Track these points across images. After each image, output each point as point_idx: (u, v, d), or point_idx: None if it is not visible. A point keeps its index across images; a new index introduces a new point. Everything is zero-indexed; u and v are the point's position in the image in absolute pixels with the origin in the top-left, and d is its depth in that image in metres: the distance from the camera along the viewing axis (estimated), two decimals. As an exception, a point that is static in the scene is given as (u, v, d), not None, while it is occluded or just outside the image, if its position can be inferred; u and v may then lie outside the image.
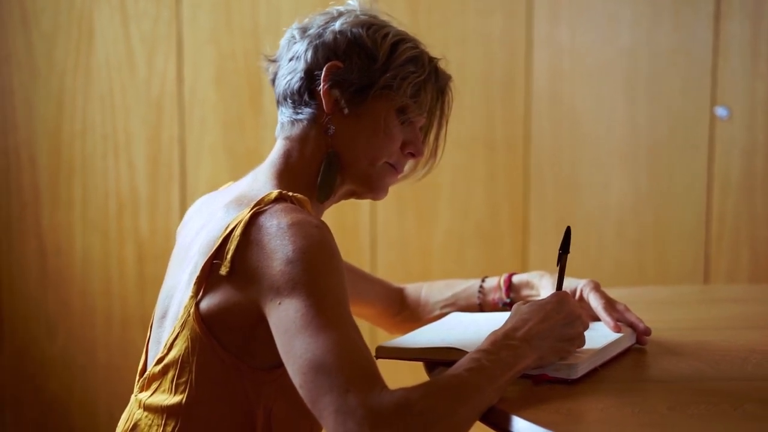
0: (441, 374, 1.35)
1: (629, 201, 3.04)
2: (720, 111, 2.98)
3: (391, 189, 2.94)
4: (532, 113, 3.00)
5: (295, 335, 1.34)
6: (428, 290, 1.96)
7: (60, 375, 3.03)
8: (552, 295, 1.51)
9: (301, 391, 1.32)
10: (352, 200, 2.95)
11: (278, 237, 1.42)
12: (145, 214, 2.98)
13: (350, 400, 1.26)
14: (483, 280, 1.91)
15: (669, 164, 3.03)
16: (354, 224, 3.01)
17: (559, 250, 1.58)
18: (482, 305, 1.89)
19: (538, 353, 1.42)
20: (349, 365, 1.29)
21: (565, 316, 1.47)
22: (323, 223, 1.48)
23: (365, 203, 2.98)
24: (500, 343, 1.39)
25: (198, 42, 2.95)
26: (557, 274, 1.81)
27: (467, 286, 1.92)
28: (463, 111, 3.00)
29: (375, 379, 1.29)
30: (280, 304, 1.38)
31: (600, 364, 1.53)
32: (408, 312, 1.96)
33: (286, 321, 1.36)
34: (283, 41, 1.67)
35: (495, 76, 3.00)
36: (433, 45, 2.90)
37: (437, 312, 1.91)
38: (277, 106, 1.66)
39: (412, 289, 1.99)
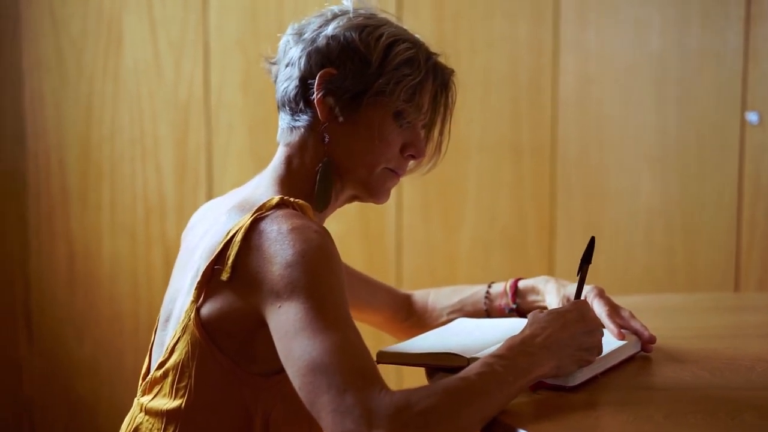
0: (449, 377, 1.34)
1: (658, 206, 3.01)
2: (750, 116, 2.94)
3: (417, 194, 2.98)
4: (558, 117, 2.98)
5: (294, 337, 1.34)
6: (435, 296, 1.95)
7: (88, 377, 3.05)
8: (572, 303, 1.50)
9: (300, 393, 1.32)
10: (378, 205, 2.97)
11: (278, 242, 1.42)
12: (172, 218, 2.99)
13: (348, 399, 1.26)
14: (489, 286, 1.90)
15: (699, 169, 2.99)
16: (379, 230, 3.01)
17: (582, 260, 1.57)
18: (489, 311, 1.88)
19: (557, 361, 1.40)
20: (347, 366, 1.29)
21: (586, 324, 1.45)
22: (324, 228, 1.48)
23: (390, 208, 2.98)
24: (517, 349, 1.38)
25: (225, 46, 2.96)
26: (563, 280, 1.81)
27: (474, 291, 1.90)
28: (490, 115, 2.98)
29: (374, 380, 1.29)
30: (279, 307, 1.38)
31: (600, 371, 1.51)
32: (415, 318, 1.95)
33: (285, 324, 1.36)
34: (281, 44, 1.67)
35: (521, 80, 2.98)
36: (460, 49, 2.93)
37: (444, 318, 1.90)
38: (278, 111, 1.66)
39: (419, 295, 1.98)
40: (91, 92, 2.97)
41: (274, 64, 1.69)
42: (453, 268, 3.02)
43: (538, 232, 3.01)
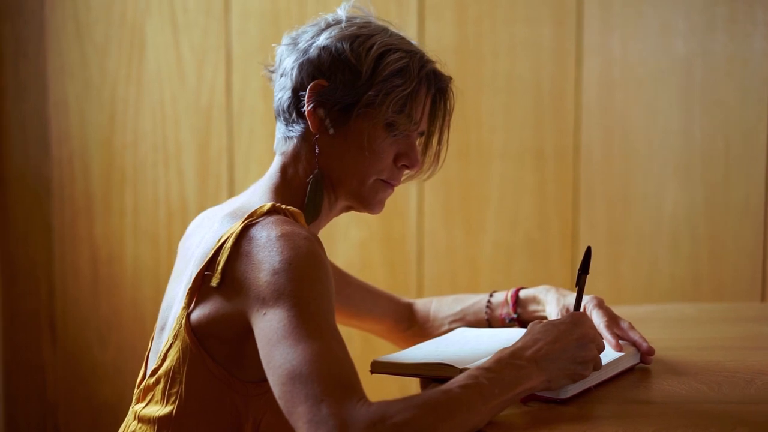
0: (431, 389, 1.33)
1: (683, 214, 2.96)
2: (778, 122, 2.89)
3: (438, 199, 2.96)
4: (582, 123, 2.95)
5: (276, 345, 1.33)
6: (437, 305, 1.93)
7: (111, 381, 3.07)
8: (567, 316, 1.47)
9: (279, 402, 1.32)
10: (399, 210, 2.96)
11: (266, 248, 1.42)
12: (194, 223, 3.00)
13: (323, 410, 1.25)
14: (491, 295, 1.88)
15: (725, 176, 2.94)
16: (401, 235, 3.00)
17: (579, 270, 1.54)
18: (490, 320, 1.86)
19: (546, 375, 1.38)
20: (326, 376, 1.28)
21: (579, 337, 1.42)
22: (314, 235, 1.47)
23: (411, 213, 2.97)
24: (505, 362, 1.36)
25: (246, 52, 2.97)
26: (564, 290, 1.79)
27: (475, 301, 1.89)
28: (512, 120, 2.96)
29: (352, 391, 1.27)
30: (264, 314, 1.37)
31: (595, 384, 1.49)
32: (417, 327, 1.94)
33: (268, 331, 1.36)
34: (277, 53, 1.66)
35: (544, 85, 2.95)
36: (482, 55, 2.91)
37: (446, 327, 1.89)
38: (275, 119, 1.66)
39: (421, 304, 1.96)
40: (114, 98, 2.99)
41: (273, 72, 1.69)
42: (474, 273, 3.00)
43: (561, 239, 2.98)
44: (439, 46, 2.92)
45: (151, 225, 3.02)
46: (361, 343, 2.89)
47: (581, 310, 1.66)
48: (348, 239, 2.98)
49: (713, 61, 2.91)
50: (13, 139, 3.00)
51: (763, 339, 1.87)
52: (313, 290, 1.38)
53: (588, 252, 1.53)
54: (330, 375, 1.27)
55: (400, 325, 1.95)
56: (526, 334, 1.43)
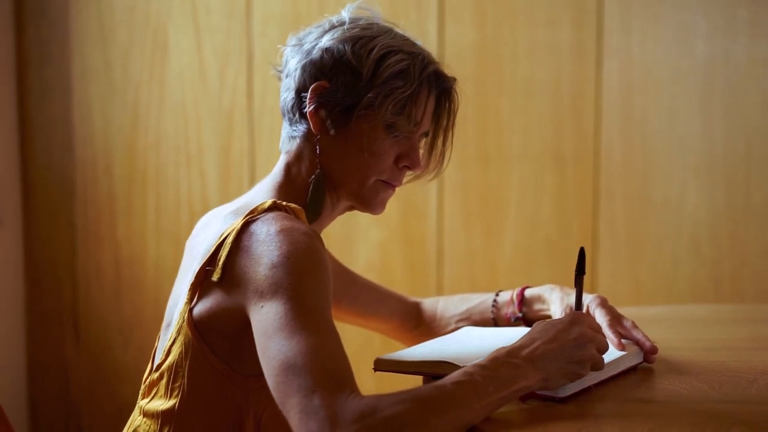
0: (426, 385, 1.34)
1: (704, 217, 2.95)
2: (800, 124, 2.87)
3: (458, 201, 2.97)
4: (602, 126, 2.95)
5: (272, 337, 1.35)
6: (444, 304, 1.94)
7: (133, 381, 3.09)
8: (566, 315, 1.47)
9: (273, 393, 1.33)
10: (419, 211, 2.96)
11: (266, 243, 1.44)
12: (215, 224, 3.02)
13: (315, 401, 1.26)
14: (497, 294, 1.88)
15: (746, 179, 2.93)
16: (420, 237, 3.00)
17: (575, 271, 1.55)
18: (496, 320, 1.86)
19: (543, 374, 1.37)
20: (320, 368, 1.29)
21: (577, 337, 1.41)
22: (313, 231, 1.48)
23: (431, 214, 2.97)
24: (501, 361, 1.36)
25: (268, 55, 2.98)
26: (568, 289, 1.79)
27: (482, 300, 1.89)
28: (532, 123, 2.96)
29: (344, 384, 1.28)
30: (262, 307, 1.39)
31: (595, 382, 1.49)
32: (424, 327, 1.95)
33: (265, 323, 1.37)
34: (284, 54, 1.68)
35: (564, 87, 2.95)
36: (502, 57, 2.91)
37: (452, 326, 1.90)
38: (282, 119, 1.68)
39: (428, 303, 1.97)
40: (137, 100, 3.02)
41: (281, 72, 1.70)
42: (494, 275, 3.00)
43: (581, 241, 2.97)
44: (458, 49, 2.94)
45: (173, 226, 3.05)
46: (381, 343, 2.90)
47: (584, 309, 1.66)
48: (368, 240, 2.99)
49: (734, 62, 2.90)
50: (37, 140, 3.04)
51: (769, 340, 1.87)
52: (311, 285, 1.39)
53: (582, 253, 1.54)
54: (323, 368, 1.29)
55: (407, 324, 1.95)
56: (526, 334, 1.43)
